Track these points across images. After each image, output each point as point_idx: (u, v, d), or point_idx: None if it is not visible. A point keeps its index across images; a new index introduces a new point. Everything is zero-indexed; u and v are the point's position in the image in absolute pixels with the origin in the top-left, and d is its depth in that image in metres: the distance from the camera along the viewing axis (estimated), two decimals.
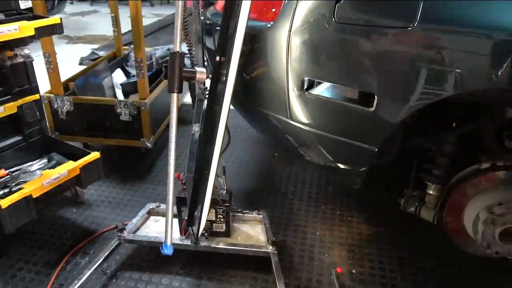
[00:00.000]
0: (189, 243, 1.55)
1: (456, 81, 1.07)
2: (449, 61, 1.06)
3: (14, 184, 1.54)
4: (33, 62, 1.72)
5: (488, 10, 1.02)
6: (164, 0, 7.72)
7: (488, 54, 1.02)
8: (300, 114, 1.39)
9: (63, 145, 1.85)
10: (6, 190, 1.51)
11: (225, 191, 1.57)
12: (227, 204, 1.54)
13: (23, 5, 1.71)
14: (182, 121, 2.62)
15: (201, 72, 1.10)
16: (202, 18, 1.76)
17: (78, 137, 2.28)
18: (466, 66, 1.05)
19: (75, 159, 1.66)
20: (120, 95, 2.54)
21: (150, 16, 6.19)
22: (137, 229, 1.64)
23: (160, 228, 1.65)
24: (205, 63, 1.85)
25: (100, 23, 5.83)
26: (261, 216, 1.68)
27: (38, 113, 1.77)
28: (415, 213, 1.55)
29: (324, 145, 1.43)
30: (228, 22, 1.20)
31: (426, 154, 1.53)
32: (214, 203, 1.48)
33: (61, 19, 1.62)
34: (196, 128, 1.52)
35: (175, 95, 1.07)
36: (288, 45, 1.31)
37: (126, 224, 1.63)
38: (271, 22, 1.36)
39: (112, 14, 2.70)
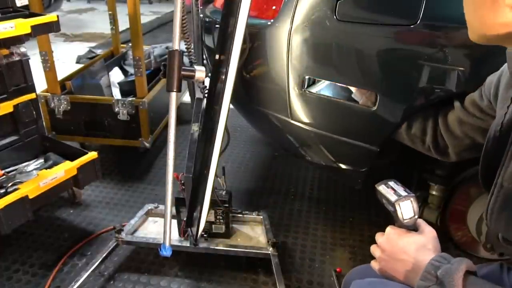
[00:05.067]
0: (188, 245, 1.53)
1: (459, 79, 1.05)
2: (452, 59, 1.04)
3: (10, 184, 1.52)
4: (30, 61, 1.70)
5: None
6: None
7: (490, 52, 1.00)
8: (300, 113, 1.37)
9: (60, 145, 1.82)
10: (2, 191, 1.49)
11: (224, 191, 1.55)
12: (227, 205, 1.52)
13: (19, 2, 1.67)
14: (181, 121, 2.60)
15: (200, 71, 1.08)
16: (201, 15, 1.74)
17: (75, 137, 2.26)
18: (469, 64, 1.03)
19: (72, 159, 1.64)
20: (117, 94, 2.51)
21: (148, 14, 6.15)
22: (135, 230, 1.62)
23: (159, 229, 1.63)
24: (204, 61, 1.83)
25: (98, 21, 5.79)
26: (261, 217, 1.66)
27: (34, 113, 1.74)
28: None
29: (325, 145, 1.41)
30: (227, 20, 1.18)
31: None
32: (213, 204, 1.46)
33: (58, 16, 1.60)
34: (195, 128, 1.50)
35: (174, 94, 1.04)
36: (289, 43, 1.29)
37: (124, 225, 1.61)
38: (272, 20, 1.33)
39: (110, 12, 2.68)
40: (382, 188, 0.78)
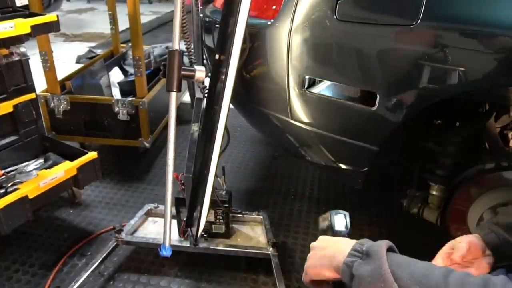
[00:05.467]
0: (188, 245, 1.53)
1: (460, 79, 1.05)
2: (453, 59, 1.04)
3: (10, 184, 1.52)
4: (29, 61, 1.70)
5: (493, 7, 1.00)
6: None
7: (492, 51, 1.00)
8: (300, 113, 1.37)
9: (60, 145, 1.82)
10: (1, 191, 1.48)
11: (224, 191, 1.54)
12: (227, 205, 1.52)
13: (19, 2, 1.67)
14: (181, 121, 2.60)
15: (200, 71, 1.08)
16: (201, 15, 1.74)
17: (75, 137, 2.25)
18: (470, 64, 1.03)
19: (72, 159, 1.64)
20: (117, 94, 2.51)
21: (148, 14, 6.15)
22: (135, 230, 1.62)
23: (159, 229, 1.63)
24: (204, 61, 1.83)
25: (98, 21, 5.79)
26: (261, 217, 1.66)
27: (34, 113, 1.74)
28: (418, 214, 1.53)
29: (325, 145, 1.41)
30: (227, 20, 1.18)
31: (429, 154, 1.51)
32: (213, 204, 1.46)
33: (57, 16, 1.60)
34: (195, 128, 1.50)
35: (173, 94, 1.04)
36: (289, 43, 1.29)
37: (123, 225, 1.61)
38: (272, 20, 1.33)
39: (110, 12, 2.68)
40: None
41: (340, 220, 0.85)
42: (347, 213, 0.87)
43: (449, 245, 0.93)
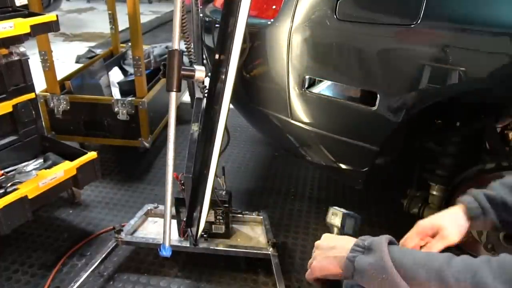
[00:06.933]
0: (188, 245, 1.53)
1: (460, 79, 1.05)
2: (453, 59, 1.04)
3: (9, 184, 1.51)
4: (29, 60, 1.69)
5: (493, 7, 1.00)
6: None
7: (492, 51, 1.00)
8: (301, 113, 1.37)
9: (59, 145, 1.82)
10: (1, 191, 1.48)
11: (224, 191, 1.54)
12: (227, 205, 1.52)
13: (18, 2, 1.67)
14: (181, 121, 2.60)
15: (200, 71, 1.08)
16: (201, 15, 1.74)
17: (74, 137, 2.25)
18: (470, 64, 1.03)
19: (71, 159, 1.64)
20: (117, 94, 2.51)
21: (148, 13, 6.15)
22: (135, 230, 1.62)
23: (158, 229, 1.63)
24: (204, 61, 1.82)
25: (97, 21, 5.78)
26: (261, 217, 1.66)
27: (33, 112, 1.73)
28: (418, 214, 1.53)
29: (325, 145, 1.41)
30: (227, 20, 1.18)
31: (429, 154, 1.51)
32: (213, 204, 1.46)
33: (57, 16, 1.59)
34: (195, 128, 1.49)
35: (173, 94, 1.04)
36: (289, 43, 1.29)
37: (123, 226, 1.60)
38: (272, 20, 1.33)
39: (109, 11, 2.67)
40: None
41: (351, 224, 0.91)
42: (359, 217, 0.91)
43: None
